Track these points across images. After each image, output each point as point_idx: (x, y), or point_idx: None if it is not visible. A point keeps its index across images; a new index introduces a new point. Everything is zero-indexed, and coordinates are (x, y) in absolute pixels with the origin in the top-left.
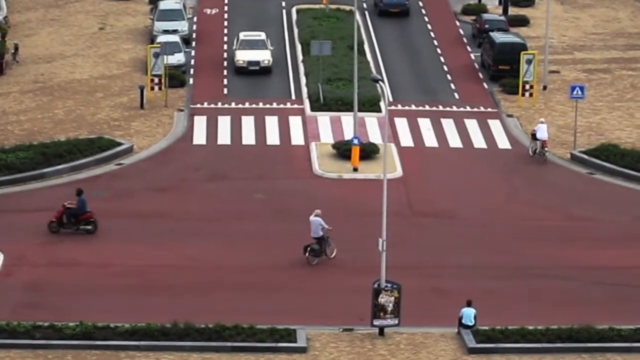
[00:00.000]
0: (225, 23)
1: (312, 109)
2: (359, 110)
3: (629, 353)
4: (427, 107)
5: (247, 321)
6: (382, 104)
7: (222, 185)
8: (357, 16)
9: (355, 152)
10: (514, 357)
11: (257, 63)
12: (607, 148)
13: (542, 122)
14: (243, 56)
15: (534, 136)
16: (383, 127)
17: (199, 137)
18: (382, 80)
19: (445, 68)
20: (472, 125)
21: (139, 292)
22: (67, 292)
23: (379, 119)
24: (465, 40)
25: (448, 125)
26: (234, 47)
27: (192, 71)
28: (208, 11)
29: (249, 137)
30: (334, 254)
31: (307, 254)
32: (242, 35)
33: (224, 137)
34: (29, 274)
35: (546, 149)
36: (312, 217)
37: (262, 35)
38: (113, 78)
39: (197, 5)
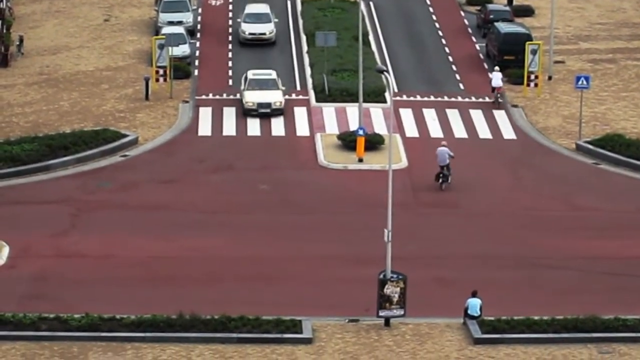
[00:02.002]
0: (230, 15)
1: (317, 100)
2: (364, 101)
3: (634, 343)
4: (432, 98)
5: (252, 312)
6: (387, 94)
7: (227, 176)
8: (362, 7)
9: (361, 142)
10: (519, 348)
11: (268, 105)
12: (612, 138)
13: (496, 70)
14: (252, 97)
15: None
16: (388, 118)
17: (204, 128)
18: (387, 71)
19: (450, 58)
20: (477, 115)
21: (144, 283)
22: (72, 284)
23: (384, 109)
24: (470, 30)
25: (453, 115)
26: (242, 87)
27: (197, 62)
28: (213, 2)
29: (254, 128)
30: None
31: (440, 181)
32: (251, 75)
33: (229, 128)
34: (34, 265)
35: (499, 95)
36: (439, 148)
37: (273, 74)
38: (118, 70)
39: None
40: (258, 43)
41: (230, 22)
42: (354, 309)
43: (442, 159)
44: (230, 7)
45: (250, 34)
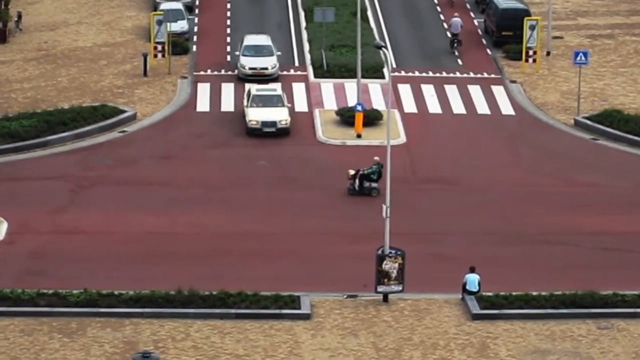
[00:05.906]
0: None
1: (316, 76)
2: (363, 77)
3: (633, 318)
4: (431, 74)
5: (251, 288)
6: (385, 70)
7: (226, 152)
8: None
9: (359, 118)
10: (518, 323)
11: (273, 124)
12: (611, 114)
13: None
14: (256, 115)
15: None
16: (386, 94)
17: (202, 104)
18: (386, 47)
19: (449, 34)
20: (475, 91)
21: (142, 259)
22: (71, 260)
23: (383, 85)
24: (468, 6)
25: (451, 91)
26: (245, 104)
27: (195, 38)
28: None
29: None
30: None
31: (455, 45)
32: (255, 90)
33: (227, 104)
34: (32, 241)
35: None
36: (453, 19)
37: (278, 90)
38: (116, 46)
39: None
40: (259, 79)
41: None
42: (353, 284)
43: (455, 27)
44: None
45: (251, 68)
